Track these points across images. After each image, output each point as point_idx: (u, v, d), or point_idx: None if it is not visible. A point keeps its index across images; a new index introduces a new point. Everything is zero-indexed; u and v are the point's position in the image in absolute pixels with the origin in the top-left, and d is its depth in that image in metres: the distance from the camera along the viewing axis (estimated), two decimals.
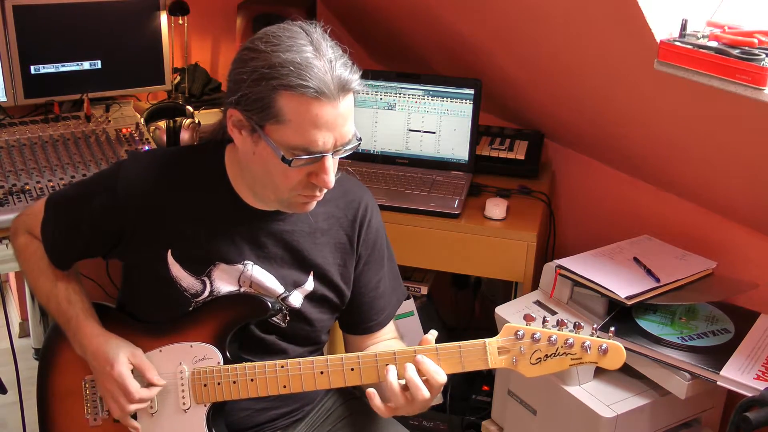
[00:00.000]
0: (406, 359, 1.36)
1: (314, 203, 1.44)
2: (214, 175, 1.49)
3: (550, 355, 1.34)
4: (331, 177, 1.36)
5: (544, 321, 1.36)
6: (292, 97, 1.29)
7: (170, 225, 1.47)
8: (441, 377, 1.35)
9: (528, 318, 1.38)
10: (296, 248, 1.51)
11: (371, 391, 1.37)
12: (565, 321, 1.35)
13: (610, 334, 1.35)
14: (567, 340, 1.33)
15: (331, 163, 1.35)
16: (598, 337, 1.33)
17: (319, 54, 1.30)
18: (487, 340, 1.36)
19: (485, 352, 1.35)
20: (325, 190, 1.40)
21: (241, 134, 1.37)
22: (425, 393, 1.34)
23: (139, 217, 1.47)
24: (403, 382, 1.35)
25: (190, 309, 1.49)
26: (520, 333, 1.35)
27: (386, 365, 1.37)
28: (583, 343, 1.32)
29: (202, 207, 1.48)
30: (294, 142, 1.32)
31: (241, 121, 1.35)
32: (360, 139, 1.39)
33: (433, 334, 1.40)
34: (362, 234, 1.57)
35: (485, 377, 2.39)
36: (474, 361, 1.36)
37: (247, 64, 1.33)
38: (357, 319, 1.62)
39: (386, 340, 1.65)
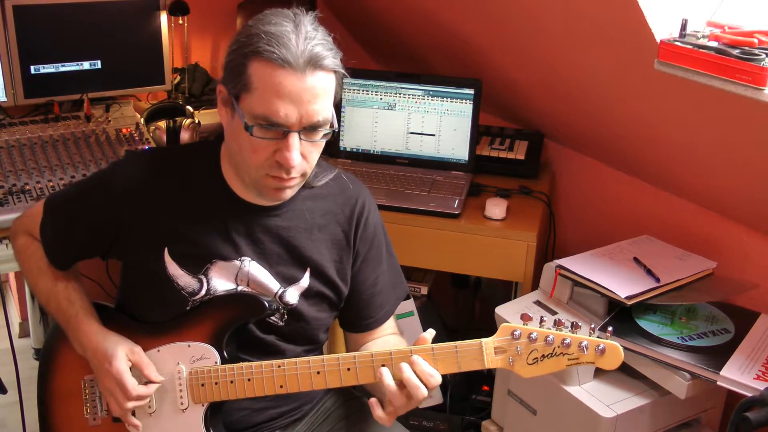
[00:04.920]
0: (402, 359, 1.35)
1: (288, 192, 1.43)
2: (209, 172, 1.49)
3: (547, 356, 1.33)
4: (293, 155, 1.34)
5: (542, 321, 1.35)
6: (260, 64, 1.32)
7: (167, 223, 1.48)
8: (435, 380, 1.34)
9: (525, 317, 1.36)
10: (293, 244, 1.51)
11: (373, 401, 1.37)
12: (563, 321, 1.33)
13: (608, 334, 1.34)
14: (564, 340, 1.31)
15: (296, 142, 1.34)
16: (596, 337, 1.32)
17: (297, 31, 1.33)
18: (483, 340, 1.35)
19: (482, 353, 1.35)
20: (296, 176, 1.39)
21: (225, 110, 1.40)
22: (424, 391, 1.33)
23: (135, 216, 1.47)
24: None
25: (188, 308, 1.49)
26: (517, 333, 1.33)
27: (382, 366, 1.36)
28: (581, 343, 1.31)
29: (198, 204, 1.48)
30: (258, 111, 1.33)
31: (224, 95, 1.39)
32: (334, 130, 1.39)
33: (431, 332, 1.39)
34: (359, 230, 1.57)
35: (485, 377, 2.39)
36: (470, 361, 1.35)
37: (234, 39, 1.39)
38: (355, 316, 1.62)
39: (385, 336, 1.64)
